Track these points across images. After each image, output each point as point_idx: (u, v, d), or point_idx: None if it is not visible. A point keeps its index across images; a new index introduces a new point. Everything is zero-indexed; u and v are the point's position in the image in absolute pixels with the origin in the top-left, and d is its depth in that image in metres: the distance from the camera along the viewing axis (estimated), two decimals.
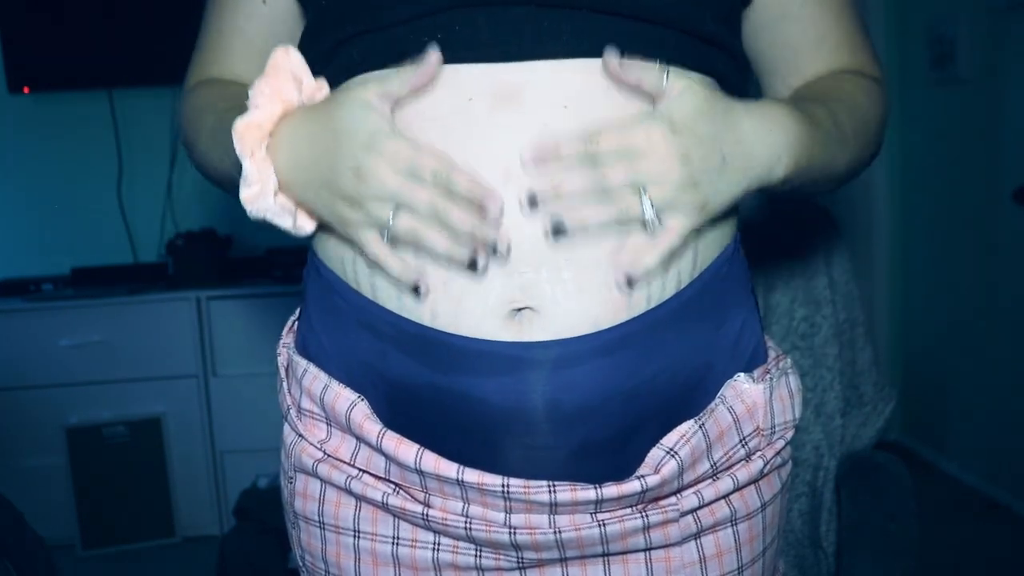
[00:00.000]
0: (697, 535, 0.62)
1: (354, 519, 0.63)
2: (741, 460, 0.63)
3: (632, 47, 0.55)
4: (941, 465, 2.67)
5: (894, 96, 3.05)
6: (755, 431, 0.62)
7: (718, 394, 0.61)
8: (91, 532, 2.44)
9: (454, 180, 0.52)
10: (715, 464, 0.61)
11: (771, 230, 1.24)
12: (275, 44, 0.61)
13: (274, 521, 1.83)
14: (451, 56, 0.54)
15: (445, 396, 0.57)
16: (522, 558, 0.61)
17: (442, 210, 0.52)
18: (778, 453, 0.65)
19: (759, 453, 0.63)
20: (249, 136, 0.56)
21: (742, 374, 0.62)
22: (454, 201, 0.52)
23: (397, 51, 0.55)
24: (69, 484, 2.41)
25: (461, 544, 0.61)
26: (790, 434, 0.66)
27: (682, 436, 0.59)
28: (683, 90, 0.53)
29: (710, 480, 0.62)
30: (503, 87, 0.54)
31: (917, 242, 2.74)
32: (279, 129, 0.57)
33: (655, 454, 0.58)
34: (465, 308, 0.55)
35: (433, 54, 0.53)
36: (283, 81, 0.56)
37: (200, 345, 2.44)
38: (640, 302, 0.56)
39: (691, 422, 0.59)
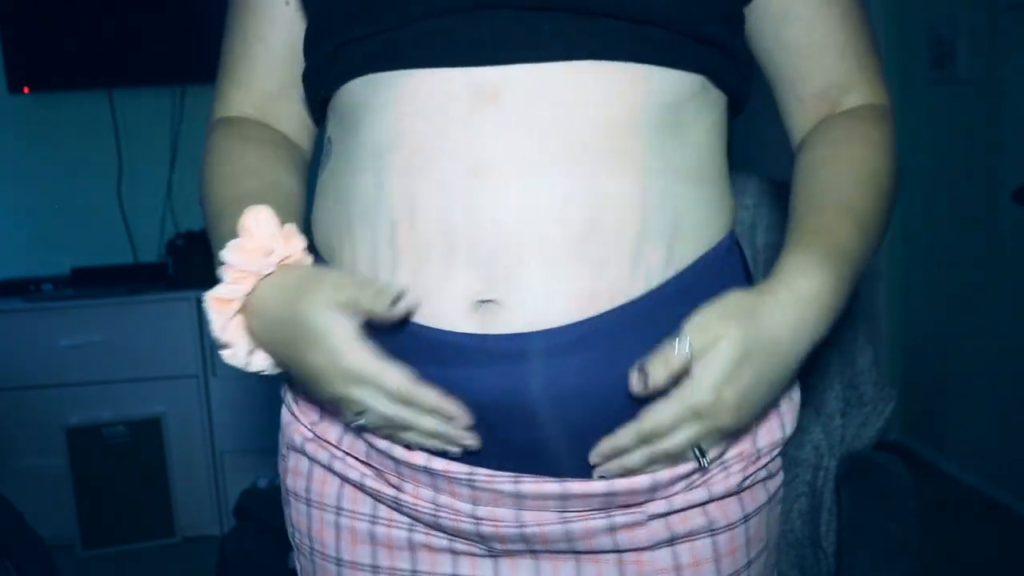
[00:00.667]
0: (671, 542, 0.61)
1: (336, 496, 0.66)
2: (720, 474, 0.62)
3: (615, 47, 0.57)
4: (941, 465, 2.67)
5: (894, 96, 3.03)
6: (737, 455, 0.62)
7: None
8: (91, 532, 2.44)
9: (418, 398, 0.55)
10: (689, 475, 0.60)
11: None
12: (296, 51, 0.68)
13: (274, 521, 1.83)
14: (437, 60, 0.57)
15: None
16: (491, 548, 0.63)
17: (410, 422, 0.56)
18: (764, 467, 0.64)
19: (740, 467, 0.62)
20: (220, 309, 0.59)
21: None
22: (420, 413, 0.56)
23: (389, 56, 0.58)
24: (69, 484, 2.41)
25: (434, 529, 0.63)
26: (778, 451, 0.65)
27: None
28: (716, 353, 0.54)
29: (683, 491, 0.61)
30: (481, 88, 0.56)
31: (917, 242, 2.74)
32: (252, 299, 0.59)
33: None
34: (432, 299, 0.57)
35: (406, 302, 0.55)
36: (253, 253, 0.58)
37: (200, 345, 2.44)
38: (603, 301, 0.56)
39: None
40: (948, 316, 2.62)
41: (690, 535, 0.62)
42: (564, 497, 0.58)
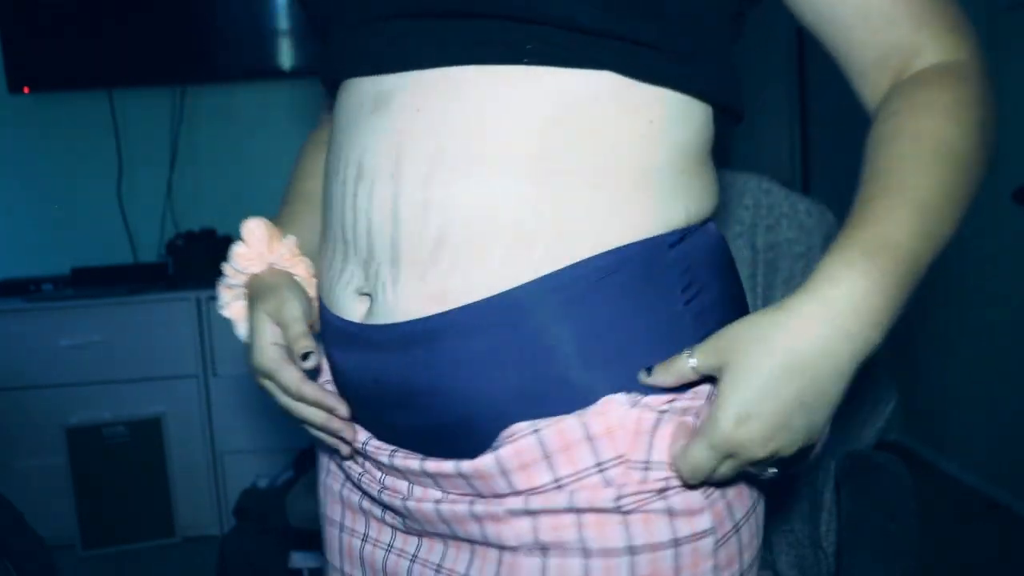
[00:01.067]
0: (544, 551, 0.57)
1: (326, 465, 0.76)
2: (593, 477, 0.56)
3: (501, 50, 0.56)
4: (941, 465, 2.67)
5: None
6: (617, 459, 0.56)
7: (577, 408, 0.56)
8: (91, 532, 2.44)
9: (303, 393, 0.65)
10: (559, 480, 0.56)
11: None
12: None
13: (274, 521, 1.83)
14: (358, 69, 0.63)
15: (330, 364, 0.69)
16: (406, 524, 0.66)
17: (300, 413, 0.67)
18: (661, 495, 0.56)
19: (616, 484, 0.56)
20: (225, 293, 0.73)
21: (620, 395, 0.56)
22: (307, 407, 0.66)
23: (337, 63, 0.65)
24: (69, 484, 2.42)
25: (369, 499, 0.70)
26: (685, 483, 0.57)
27: (511, 434, 0.57)
28: (728, 386, 0.53)
29: (546, 490, 0.57)
30: (380, 96, 0.61)
31: None
32: (249, 294, 0.71)
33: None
34: (333, 288, 0.65)
35: (311, 361, 0.64)
36: (245, 258, 0.70)
37: (200, 345, 2.44)
38: (455, 297, 0.57)
39: (525, 423, 0.57)
40: (948, 316, 2.62)
41: (561, 549, 0.57)
42: (424, 473, 0.61)
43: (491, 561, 0.60)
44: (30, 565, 1.20)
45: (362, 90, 0.62)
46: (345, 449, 0.67)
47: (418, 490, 0.63)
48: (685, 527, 0.57)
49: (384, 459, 0.64)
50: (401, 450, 0.63)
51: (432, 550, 0.65)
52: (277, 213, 0.80)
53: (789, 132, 3.22)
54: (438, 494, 0.62)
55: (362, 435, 0.66)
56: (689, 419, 0.57)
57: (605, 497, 0.56)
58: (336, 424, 0.65)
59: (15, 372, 2.40)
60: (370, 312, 0.62)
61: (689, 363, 0.55)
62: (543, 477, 0.57)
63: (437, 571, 0.64)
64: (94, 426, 2.42)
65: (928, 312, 2.74)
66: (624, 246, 0.57)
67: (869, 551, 1.10)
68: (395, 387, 0.61)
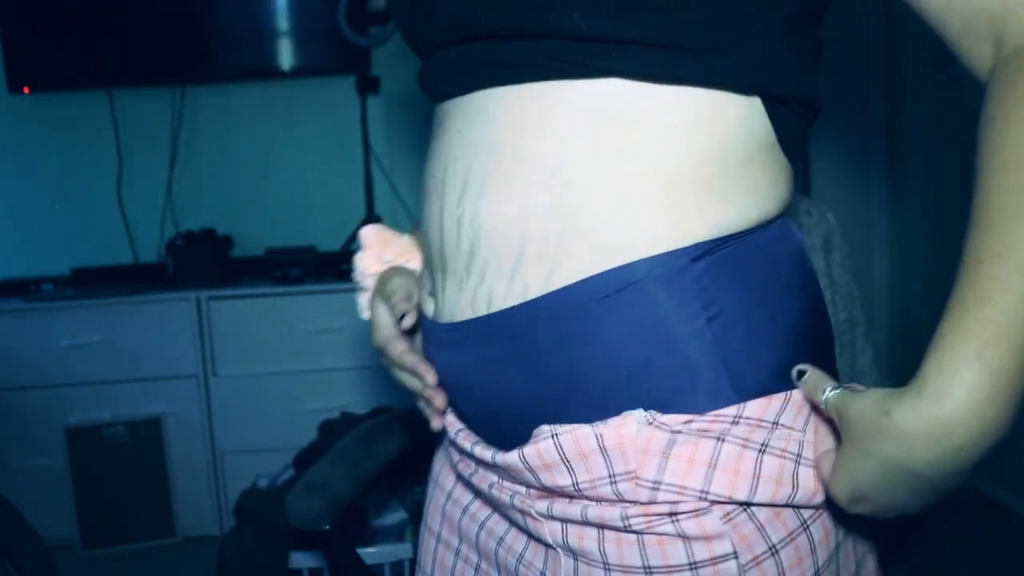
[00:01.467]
0: (575, 556, 0.59)
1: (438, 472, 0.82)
2: (608, 499, 0.57)
3: (512, 69, 0.58)
4: None
5: (892, 96, 3.07)
6: (627, 474, 0.56)
7: (597, 418, 0.57)
8: (91, 532, 2.44)
9: (403, 361, 0.73)
10: (578, 484, 0.58)
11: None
12: None
13: (274, 521, 1.83)
14: (429, 96, 0.69)
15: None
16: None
17: (403, 381, 0.76)
18: (671, 519, 0.56)
19: (625, 502, 0.56)
20: (362, 298, 0.83)
21: (638, 411, 0.56)
22: (409, 376, 0.75)
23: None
24: (69, 484, 2.42)
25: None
26: (702, 507, 0.55)
27: (537, 435, 0.59)
28: (850, 454, 0.52)
29: (567, 497, 0.60)
30: (439, 120, 0.67)
31: (917, 242, 2.75)
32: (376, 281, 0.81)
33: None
34: (423, 291, 0.73)
35: (407, 319, 0.75)
36: (370, 262, 0.81)
37: (200, 345, 2.45)
38: (481, 306, 0.62)
39: (547, 427, 0.58)
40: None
41: (587, 557, 0.59)
42: (472, 456, 0.67)
43: (540, 551, 0.64)
44: (30, 565, 1.20)
45: (435, 115, 0.68)
46: (436, 420, 0.72)
47: (481, 472, 0.68)
48: (702, 551, 0.56)
49: (467, 447, 0.68)
50: (464, 431, 0.69)
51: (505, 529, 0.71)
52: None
53: None
54: (493, 478, 0.66)
55: (454, 424, 0.72)
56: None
57: (613, 515, 0.56)
58: (428, 392, 0.70)
59: (15, 372, 2.41)
60: (435, 312, 0.68)
61: (824, 396, 0.54)
62: (565, 479, 0.58)
63: (499, 543, 0.70)
64: (94, 426, 2.42)
65: (928, 312, 2.74)
66: (639, 261, 0.56)
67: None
68: (450, 379, 0.68)
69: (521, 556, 0.66)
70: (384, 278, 0.78)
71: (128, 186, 2.77)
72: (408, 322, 0.74)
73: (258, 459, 2.41)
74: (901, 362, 2.88)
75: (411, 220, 1.72)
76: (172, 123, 2.74)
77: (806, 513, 0.58)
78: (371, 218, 2.73)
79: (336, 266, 2.59)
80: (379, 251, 0.80)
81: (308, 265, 2.55)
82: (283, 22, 2.64)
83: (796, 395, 0.57)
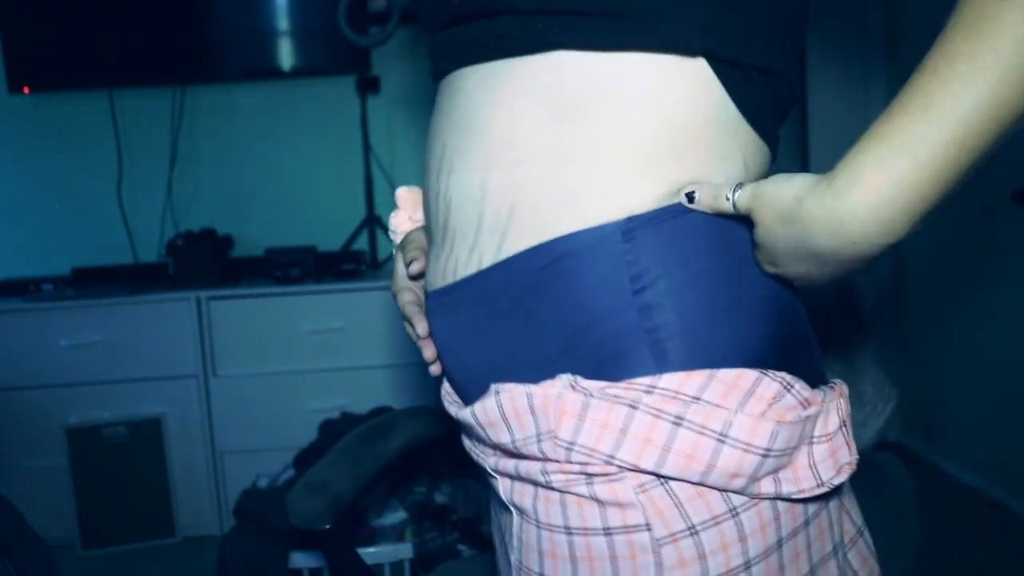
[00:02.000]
0: (521, 514, 0.63)
1: None
2: (535, 457, 0.60)
3: (484, 47, 0.61)
4: (941, 465, 2.67)
5: (891, 96, 3.04)
6: (548, 433, 0.58)
7: (530, 381, 0.59)
8: (91, 532, 2.44)
9: (405, 311, 0.78)
10: (515, 442, 0.60)
11: None
12: None
13: (274, 521, 1.83)
14: (438, 70, 0.69)
15: None
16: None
17: (406, 329, 0.80)
18: (587, 480, 0.57)
19: (546, 461, 0.59)
20: (397, 255, 0.85)
21: (566, 375, 0.58)
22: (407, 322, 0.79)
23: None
24: (69, 484, 2.42)
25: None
26: (612, 472, 0.57)
27: (487, 394, 0.62)
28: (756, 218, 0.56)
29: (508, 455, 0.63)
30: (437, 98, 0.69)
31: (917, 241, 2.75)
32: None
33: None
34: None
35: (413, 266, 0.76)
36: (401, 220, 0.84)
37: (200, 345, 2.45)
38: (449, 275, 0.66)
39: (494, 385, 0.61)
40: (948, 316, 2.62)
41: (526, 514, 0.62)
42: (456, 422, 0.70)
43: (504, 512, 0.67)
44: (30, 565, 1.20)
45: (440, 86, 0.70)
46: (433, 368, 0.75)
47: (469, 439, 0.71)
48: (616, 517, 0.57)
49: (452, 408, 0.72)
50: (450, 394, 0.74)
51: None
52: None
53: (788, 132, 3.22)
54: (474, 442, 0.69)
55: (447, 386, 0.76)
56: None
57: (534, 469, 0.60)
58: (420, 343, 0.74)
59: (15, 372, 2.41)
60: (427, 281, 0.72)
61: (731, 198, 0.57)
62: (505, 436, 0.61)
63: (493, 507, 0.74)
64: (94, 426, 2.42)
65: (927, 312, 2.74)
66: (575, 232, 0.58)
67: None
68: (437, 344, 0.71)
69: (499, 515, 0.71)
70: (408, 234, 0.82)
71: (128, 186, 2.77)
72: (415, 268, 0.76)
73: (258, 459, 2.42)
74: (901, 362, 2.88)
75: None
76: (172, 123, 2.74)
77: (737, 500, 0.57)
78: (371, 218, 2.73)
79: (336, 266, 2.59)
80: (410, 211, 0.83)
81: (308, 265, 2.55)
82: (283, 22, 2.64)
83: (725, 374, 0.56)
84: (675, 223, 0.58)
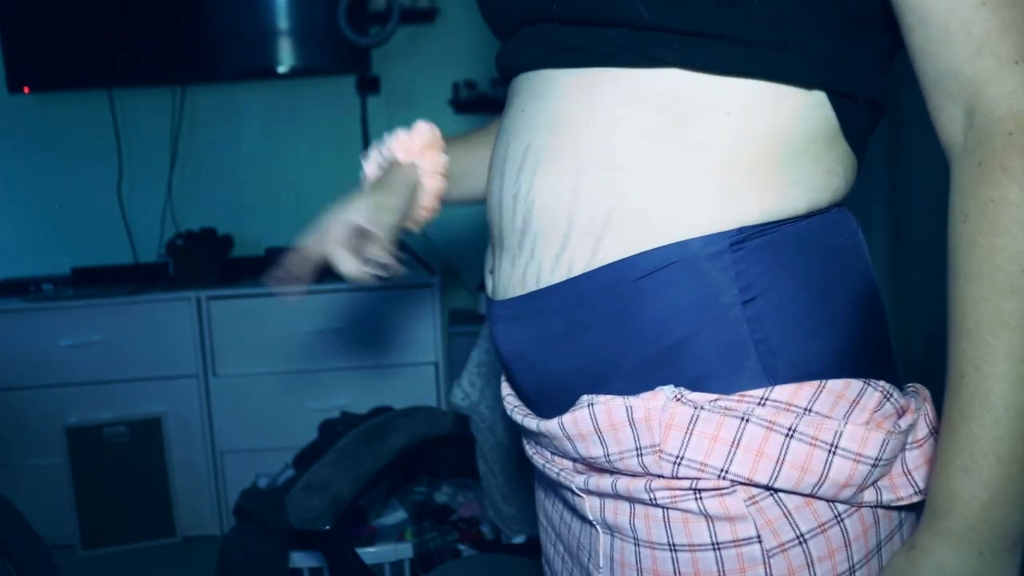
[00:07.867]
0: (611, 533, 0.61)
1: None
2: (635, 472, 0.58)
3: (574, 53, 0.60)
4: None
5: (891, 97, 3.04)
6: (652, 447, 0.57)
7: (633, 393, 0.58)
8: (91, 532, 2.44)
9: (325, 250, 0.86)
10: (608, 455, 0.59)
11: None
12: None
13: (274, 521, 1.83)
14: (502, 74, 0.70)
15: None
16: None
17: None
18: (695, 495, 0.57)
19: (649, 477, 0.58)
20: (373, 156, 0.89)
21: (669, 387, 0.57)
22: None
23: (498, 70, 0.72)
24: (69, 484, 2.42)
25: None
26: (724, 486, 0.56)
27: (578, 404, 0.60)
28: None
29: (601, 472, 0.62)
30: (508, 98, 0.69)
31: (916, 242, 2.74)
32: (383, 170, 0.88)
33: None
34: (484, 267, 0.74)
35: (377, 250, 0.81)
36: (402, 148, 0.86)
37: (200, 345, 2.45)
38: (531, 282, 0.63)
39: (587, 396, 0.60)
40: (948, 316, 2.62)
41: (621, 533, 0.61)
42: (523, 428, 0.68)
43: (585, 529, 0.65)
44: (30, 565, 1.20)
45: (507, 94, 0.70)
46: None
47: (540, 450, 0.69)
48: (725, 532, 0.57)
49: (518, 419, 0.70)
50: (520, 406, 0.70)
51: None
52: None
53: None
54: (548, 455, 0.67)
55: (510, 396, 0.73)
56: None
57: (638, 487, 0.58)
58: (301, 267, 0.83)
59: (15, 372, 2.41)
60: (493, 289, 0.69)
61: None
62: (597, 450, 0.59)
63: (561, 520, 0.72)
64: (94, 426, 2.42)
65: (927, 312, 2.74)
66: (680, 242, 0.57)
67: None
68: (506, 354, 0.68)
69: (574, 534, 0.68)
70: (391, 186, 0.84)
71: (128, 186, 2.77)
72: (393, 271, 0.79)
73: (258, 459, 2.42)
74: (901, 362, 2.88)
75: None
76: (172, 123, 2.74)
77: (841, 506, 0.58)
78: None
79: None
80: (416, 148, 0.85)
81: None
82: (283, 22, 2.64)
83: (833, 384, 0.57)
84: (782, 233, 0.57)
